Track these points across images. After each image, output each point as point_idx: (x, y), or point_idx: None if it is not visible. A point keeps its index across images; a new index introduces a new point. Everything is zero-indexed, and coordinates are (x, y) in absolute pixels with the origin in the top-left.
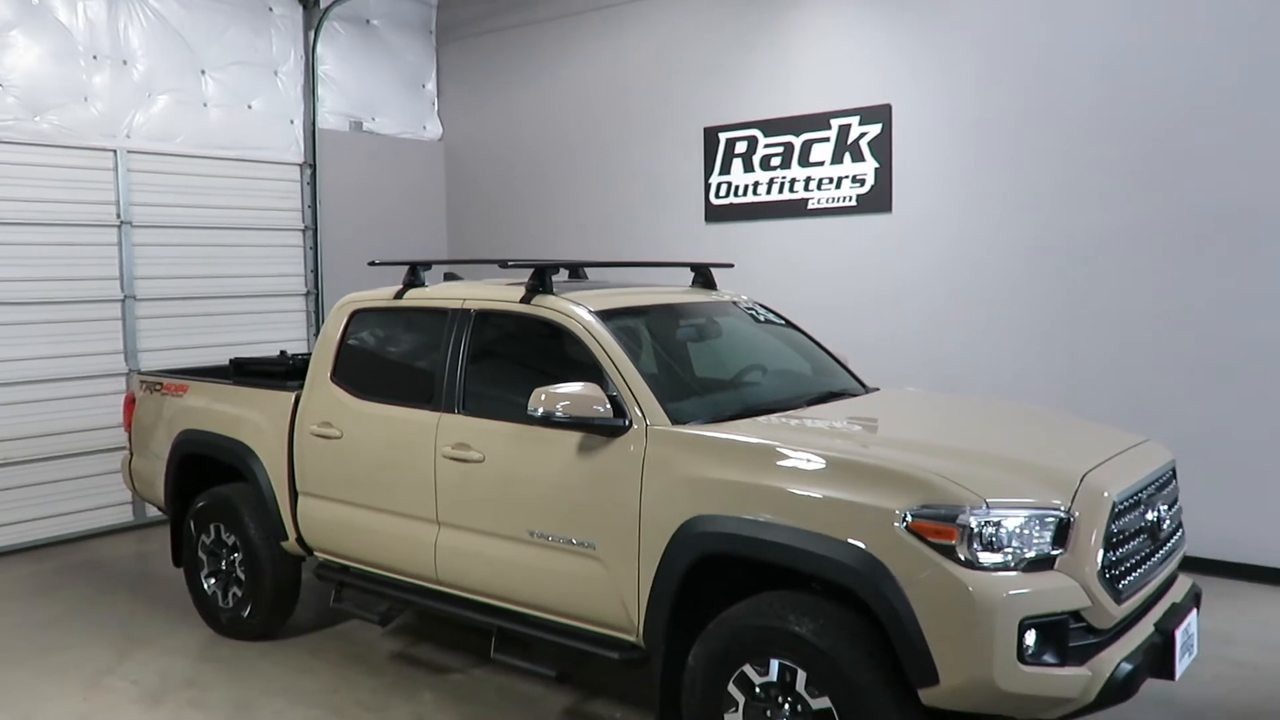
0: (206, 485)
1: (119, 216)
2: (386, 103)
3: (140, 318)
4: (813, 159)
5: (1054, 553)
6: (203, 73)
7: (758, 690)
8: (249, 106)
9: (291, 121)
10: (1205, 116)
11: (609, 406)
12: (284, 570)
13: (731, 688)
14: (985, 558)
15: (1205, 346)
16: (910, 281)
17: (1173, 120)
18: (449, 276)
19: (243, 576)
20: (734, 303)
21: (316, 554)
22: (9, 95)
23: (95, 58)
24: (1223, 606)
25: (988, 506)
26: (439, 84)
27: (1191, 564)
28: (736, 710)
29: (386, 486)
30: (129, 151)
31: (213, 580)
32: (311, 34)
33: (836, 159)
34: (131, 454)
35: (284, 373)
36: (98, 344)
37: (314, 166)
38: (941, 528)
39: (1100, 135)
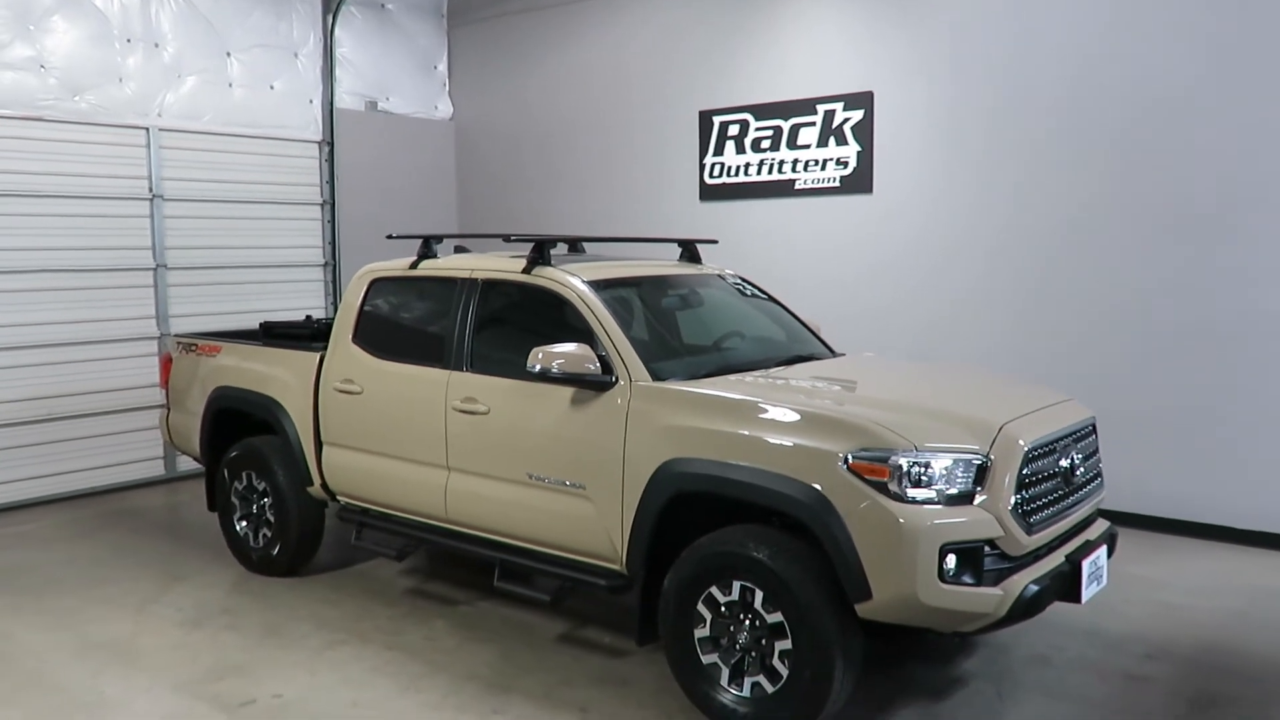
0: (238, 437)
1: (151, 190)
2: (400, 84)
3: (171, 285)
4: (800, 142)
5: (973, 490)
6: (228, 55)
7: (722, 608)
8: (271, 87)
9: (311, 101)
10: (1169, 108)
11: (598, 365)
12: (309, 513)
13: (700, 607)
14: (913, 493)
15: (1164, 322)
16: (889, 258)
17: (1138, 110)
18: (459, 249)
19: (272, 519)
20: (719, 276)
21: (339, 498)
22: (50, 76)
23: (129, 41)
24: (1165, 559)
25: (916, 450)
26: (450, 66)
27: (1144, 522)
28: (704, 626)
29: (402, 436)
30: (160, 129)
31: (244, 523)
32: (330, 18)
33: (822, 142)
34: (169, 409)
35: (309, 335)
36: (132, 309)
37: (332, 144)
38: (876, 467)
39: (1069, 123)
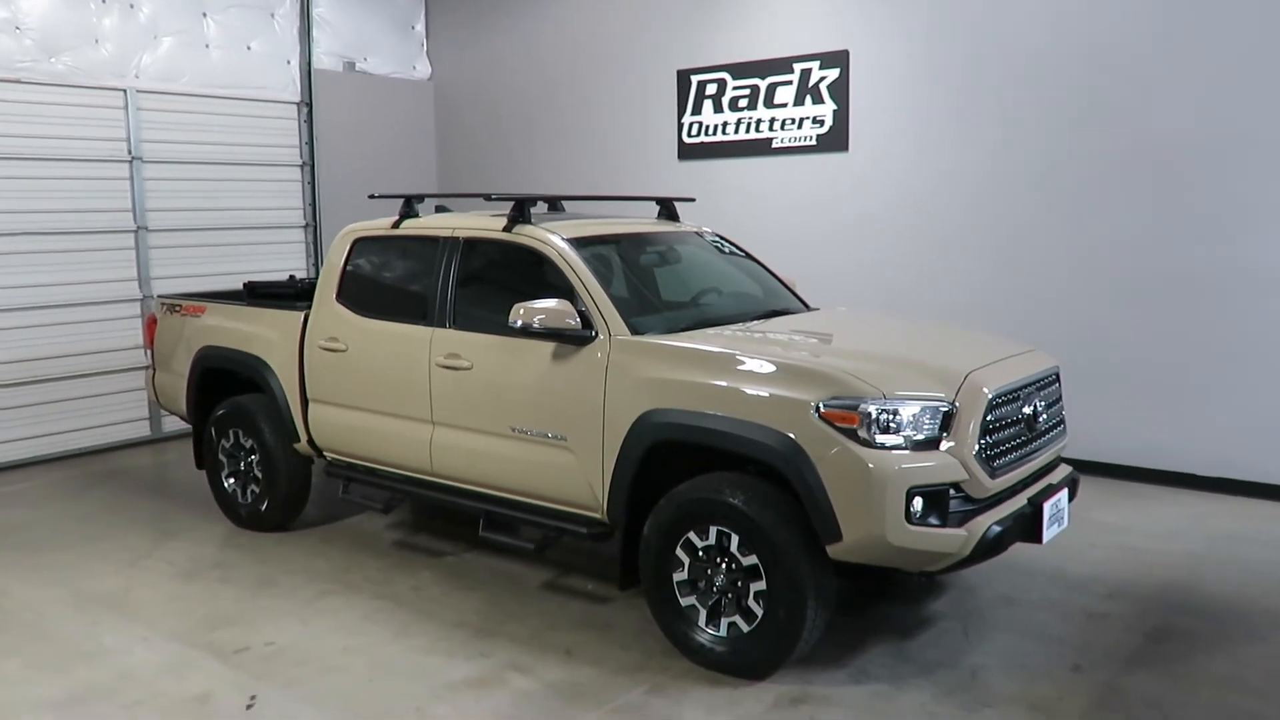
0: (225, 396)
1: (130, 152)
2: (378, 44)
3: (152, 247)
4: (777, 101)
5: (939, 436)
6: (204, 15)
7: (700, 552)
8: (248, 48)
9: (288, 62)
10: (1142, 63)
11: (578, 320)
12: (297, 469)
13: (679, 551)
14: (882, 439)
15: (1136, 275)
16: (866, 215)
17: (1112, 65)
18: (440, 208)
19: (260, 475)
20: (697, 233)
21: (326, 454)
22: (26, 38)
23: (104, 1)
24: (1131, 505)
25: (885, 397)
26: (428, 25)
27: (1112, 470)
28: (683, 570)
29: (387, 393)
30: (138, 91)
31: (232, 480)
32: None
33: (798, 101)
34: (154, 370)
35: (293, 294)
36: (114, 271)
37: (310, 105)
38: (846, 415)
39: (1042, 80)
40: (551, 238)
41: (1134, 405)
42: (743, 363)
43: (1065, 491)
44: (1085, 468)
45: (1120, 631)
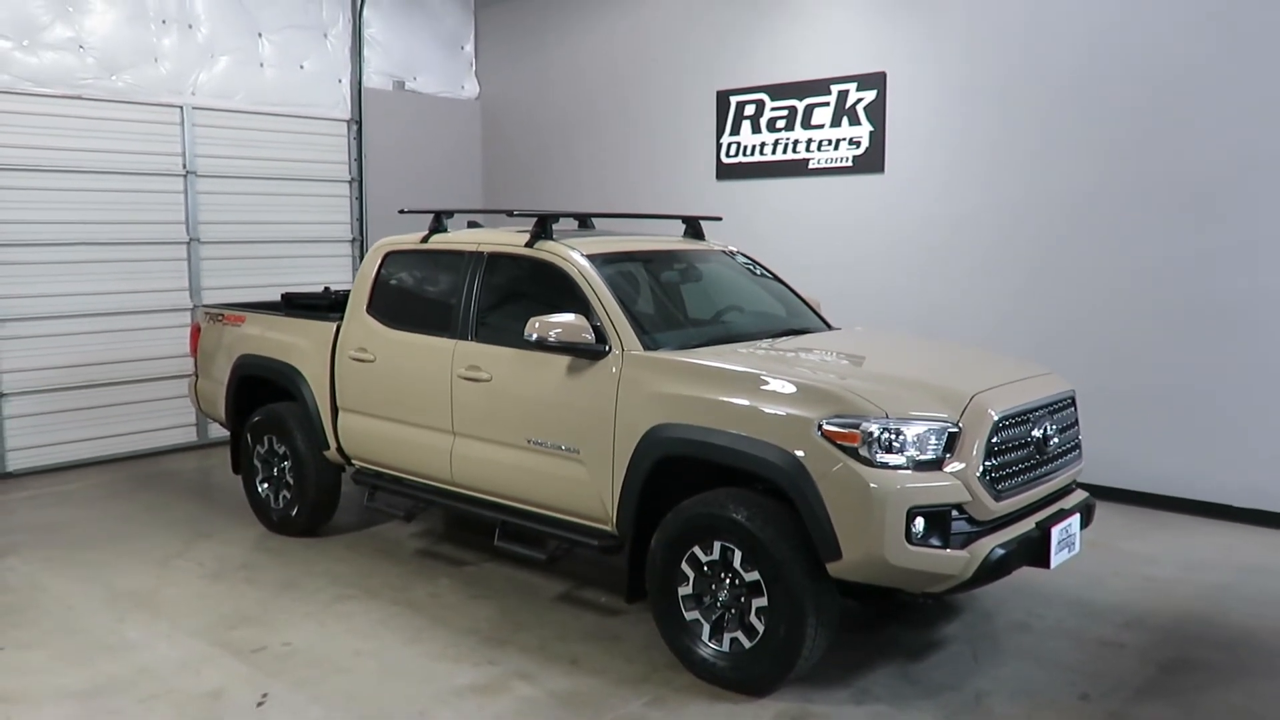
0: (261, 403)
1: (185, 167)
2: (427, 63)
3: (204, 259)
4: (814, 122)
5: (943, 456)
6: (259, 35)
7: (704, 567)
8: (301, 67)
9: (340, 81)
10: (1178, 89)
11: (593, 334)
12: (326, 476)
13: (684, 565)
14: (884, 458)
15: (1170, 301)
16: (900, 237)
17: (1148, 91)
18: (472, 224)
19: (291, 481)
20: (723, 252)
21: (354, 462)
22: (89, 56)
23: (164, 22)
24: (1161, 535)
25: (888, 416)
26: (476, 46)
27: (1144, 499)
28: (687, 584)
29: (411, 403)
30: (194, 108)
31: (265, 485)
32: None
33: (835, 122)
34: (197, 376)
35: (327, 305)
36: (166, 281)
37: (360, 123)
38: (848, 433)
39: (1079, 104)
40: (571, 253)
41: (1168, 433)
42: (748, 379)
43: (1077, 517)
44: (1117, 495)
45: (1135, 661)
